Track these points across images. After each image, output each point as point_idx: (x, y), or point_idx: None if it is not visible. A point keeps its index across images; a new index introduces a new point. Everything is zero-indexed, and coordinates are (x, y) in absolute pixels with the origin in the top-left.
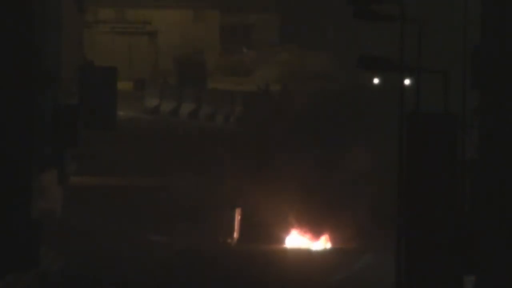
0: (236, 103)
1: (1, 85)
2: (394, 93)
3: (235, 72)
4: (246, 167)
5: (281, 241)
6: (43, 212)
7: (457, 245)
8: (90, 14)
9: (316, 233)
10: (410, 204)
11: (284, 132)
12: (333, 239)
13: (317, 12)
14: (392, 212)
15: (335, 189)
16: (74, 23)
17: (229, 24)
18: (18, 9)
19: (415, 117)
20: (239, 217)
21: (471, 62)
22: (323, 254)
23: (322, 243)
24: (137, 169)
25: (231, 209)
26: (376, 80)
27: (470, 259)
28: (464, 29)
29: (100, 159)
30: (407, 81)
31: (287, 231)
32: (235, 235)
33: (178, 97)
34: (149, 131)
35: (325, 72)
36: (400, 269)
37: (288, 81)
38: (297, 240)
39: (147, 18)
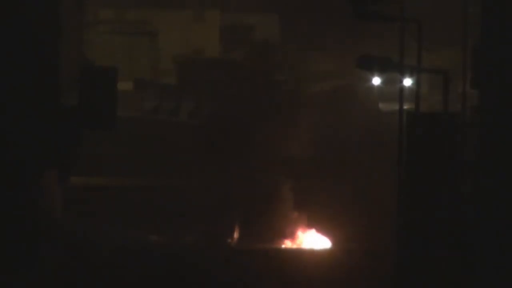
0: None
1: (1, 85)
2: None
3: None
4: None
5: (281, 241)
6: (43, 212)
7: (457, 245)
8: (90, 14)
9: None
10: (410, 204)
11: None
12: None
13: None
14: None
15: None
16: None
17: (229, 24)
18: (18, 9)
19: (415, 117)
20: (239, 217)
21: (471, 61)
22: (323, 254)
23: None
24: (136, 169)
25: (231, 209)
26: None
27: (470, 260)
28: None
29: (100, 159)
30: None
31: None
32: (235, 235)
33: (178, 97)
34: (148, 131)
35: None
36: (399, 269)
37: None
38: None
39: (147, 18)
